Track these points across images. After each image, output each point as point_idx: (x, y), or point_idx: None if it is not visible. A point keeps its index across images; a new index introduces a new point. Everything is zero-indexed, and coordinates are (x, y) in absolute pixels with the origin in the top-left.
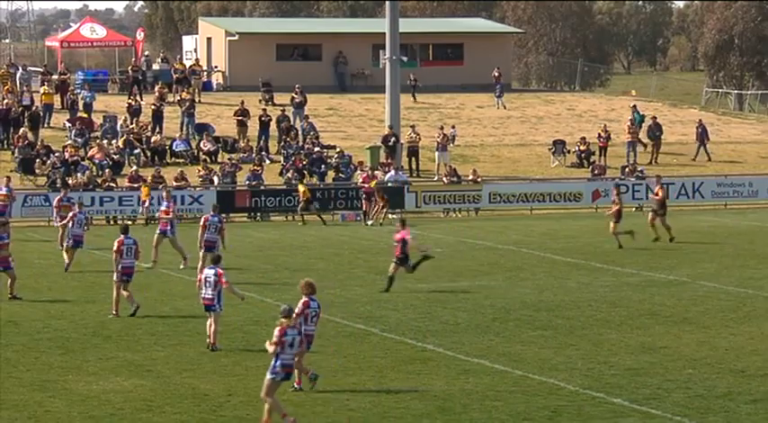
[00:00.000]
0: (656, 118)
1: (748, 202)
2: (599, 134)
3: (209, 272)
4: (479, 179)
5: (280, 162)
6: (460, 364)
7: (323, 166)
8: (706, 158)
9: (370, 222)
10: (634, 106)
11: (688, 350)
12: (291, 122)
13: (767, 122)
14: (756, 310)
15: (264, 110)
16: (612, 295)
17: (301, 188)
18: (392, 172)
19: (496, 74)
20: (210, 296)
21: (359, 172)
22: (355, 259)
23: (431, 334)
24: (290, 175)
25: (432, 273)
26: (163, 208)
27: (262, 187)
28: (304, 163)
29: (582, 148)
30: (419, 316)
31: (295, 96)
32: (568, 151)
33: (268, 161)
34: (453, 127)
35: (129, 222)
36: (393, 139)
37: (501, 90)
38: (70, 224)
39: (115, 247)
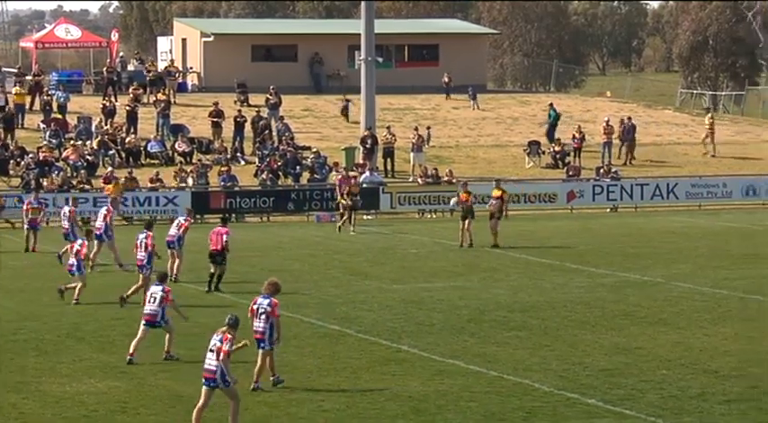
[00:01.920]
0: (630, 119)
1: (722, 202)
2: (574, 135)
3: (155, 288)
4: (455, 180)
5: (255, 163)
6: (435, 365)
7: (298, 166)
8: (628, 158)
9: (352, 231)
10: (551, 104)
11: (662, 351)
12: (267, 123)
13: (741, 123)
14: (731, 310)
15: (239, 111)
16: (587, 296)
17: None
18: (367, 173)
19: (446, 79)
20: (153, 312)
21: (334, 173)
22: (330, 260)
23: (406, 335)
24: (264, 175)
25: (407, 274)
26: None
27: (236, 188)
28: (279, 164)
29: (557, 149)
30: (394, 317)
31: (270, 97)
32: (543, 152)
33: (243, 162)
34: (428, 128)
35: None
36: (370, 140)
37: (475, 94)
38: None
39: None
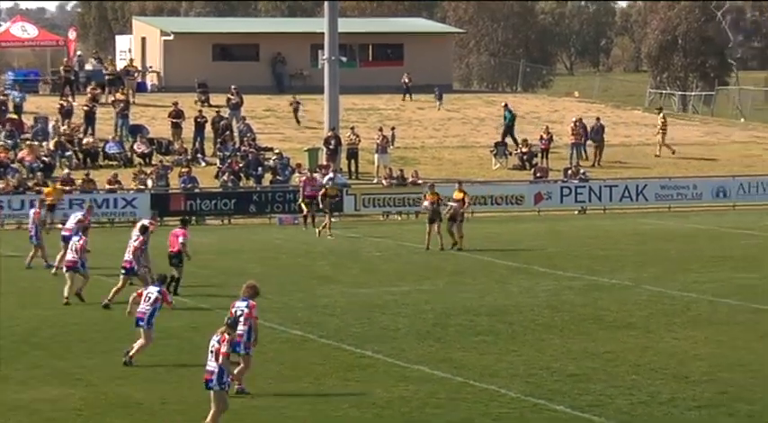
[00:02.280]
0: (599, 119)
1: (692, 204)
2: (541, 136)
3: (152, 289)
4: (420, 181)
5: (216, 164)
6: (400, 371)
7: (260, 168)
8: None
9: (329, 235)
10: (505, 105)
11: (632, 355)
12: (228, 124)
13: (711, 124)
14: (700, 314)
15: (200, 111)
16: (555, 300)
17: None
18: (330, 174)
19: (406, 80)
20: (143, 311)
21: (296, 174)
22: (293, 264)
23: (370, 340)
24: (225, 177)
25: (371, 277)
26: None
27: (197, 190)
28: (240, 165)
29: (524, 150)
30: (358, 321)
31: (231, 97)
32: (510, 153)
33: (203, 163)
34: (393, 128)
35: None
36: (334, 141)
37: (440, 94)
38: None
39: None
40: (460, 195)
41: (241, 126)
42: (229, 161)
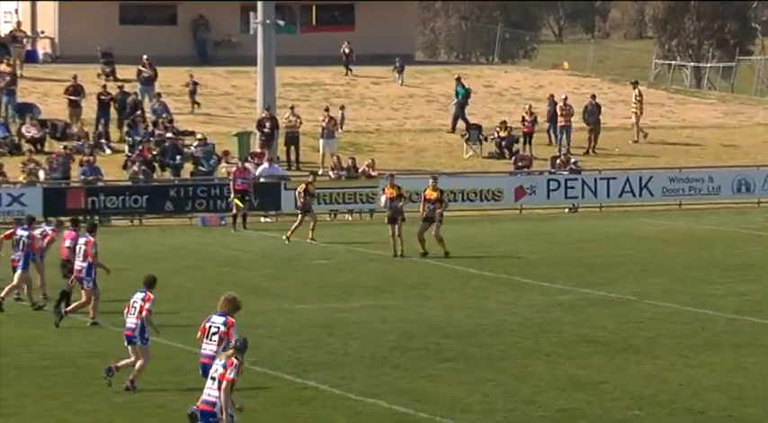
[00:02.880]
0: (594, 97)
1: (707, 200)
2: (523, 117)
3: (137, 296)
4: (375, 173)
5: (123, 152)
6: (351, 405)
7: (178, 156)
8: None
9: (311, 240)
10: (458, 79)
11: (633, 386)
12: (138, 102)
13: (731, 102)
14: (717, 335)
15: (104, 86)
16: (540, 317)
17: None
18: (265, 164)
19: (347, 50)
20: (132, 325)
21: (224, 164)
22: (219, 274)
23: (314, 367)
24: (136, 168)
25: (315, 290)
26: None
27: (101, 184)
28: (155, 153)
29: (502, 134)
30: (299, 345)
31: (143, 69)
32: (486, 138)
33: (108, 151)
34: (342, 108)
35: None
36: (269, 123)
37: (401, 65)
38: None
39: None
40: (435, 194)
41: (155, 105)
42: (140, 148)
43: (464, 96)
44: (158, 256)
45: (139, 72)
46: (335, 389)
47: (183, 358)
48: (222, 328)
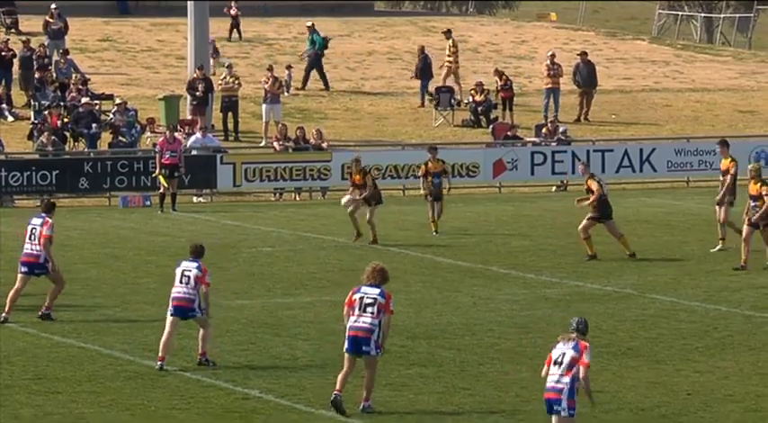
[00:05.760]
0: (586, 54)
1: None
2: (503, 78)
3: (189, 264)
4: (327, 145)
5: (29, 119)
6: (299, 419)
7: (94, 125)
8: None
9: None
10: (311, 26)
11: (633, 395)
12: (45, 59)
13: (748, 60)
14: (732, 335)
15: (6, 42)
16: (524, 315)
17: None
18: (198, 134)
19: (234, 10)
20: (187, 295)
21: (148, 134)
22: (143, 264)
23: (256, 374)
24: (44, 138)
25: (257, 283)
26: None
27: (1, 157)
28: (66, 121)
29: (478, 98)
30: (238, 347)
31: (50, 21)
32: (458, 103)
33: (10, 117)
34: (289, 67)
35: None
36: (202, 85)
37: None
38: None
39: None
40: (438, 166)
41: (65, 63)
42: (49, 114)
43: (321, 46)
44: (70, 242)
45: (47, 24)
46: (282, 399)
47: (100, 363)
48: (381, 300)
